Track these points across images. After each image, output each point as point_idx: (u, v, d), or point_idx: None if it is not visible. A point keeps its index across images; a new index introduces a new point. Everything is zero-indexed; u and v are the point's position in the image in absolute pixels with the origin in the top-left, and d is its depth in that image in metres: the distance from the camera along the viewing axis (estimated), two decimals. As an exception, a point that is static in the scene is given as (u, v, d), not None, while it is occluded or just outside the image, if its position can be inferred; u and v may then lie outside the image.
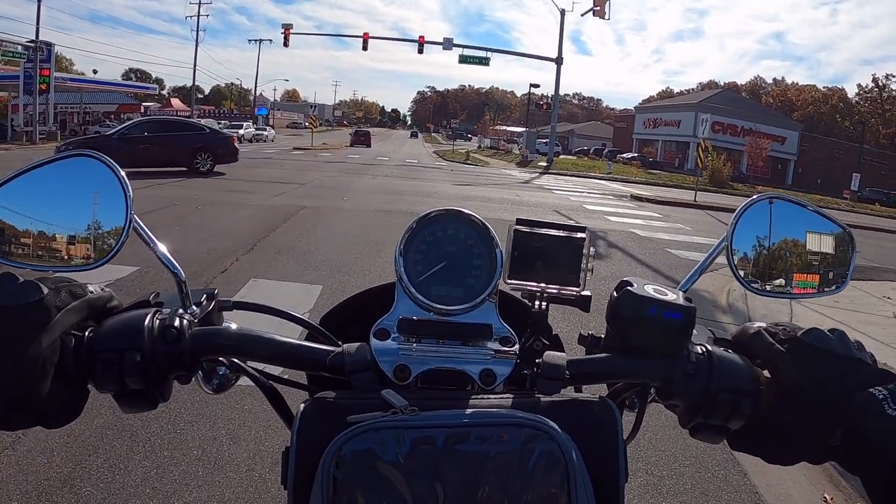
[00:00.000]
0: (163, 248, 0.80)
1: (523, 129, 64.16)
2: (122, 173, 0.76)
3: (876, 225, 23.64)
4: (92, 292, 0.71)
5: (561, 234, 0.87)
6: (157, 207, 11.51)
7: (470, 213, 0.84)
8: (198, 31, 65.53)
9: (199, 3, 67.40)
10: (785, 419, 0.70)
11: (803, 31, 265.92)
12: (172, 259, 0.80)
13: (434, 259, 0.82)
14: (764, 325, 0.77)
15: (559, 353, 0.79)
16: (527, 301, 0.89)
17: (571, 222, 0.87)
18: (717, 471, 3.59)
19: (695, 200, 23.50)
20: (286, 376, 0.93)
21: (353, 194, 16.56)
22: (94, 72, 73.29)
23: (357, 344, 0.78)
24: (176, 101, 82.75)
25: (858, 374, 0.68)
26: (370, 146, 58.56)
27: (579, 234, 0.87)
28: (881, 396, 0.65)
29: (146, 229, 0.79)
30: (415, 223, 0.83)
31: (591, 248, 0.87)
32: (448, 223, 0.84)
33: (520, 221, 0.87)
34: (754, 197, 0.87)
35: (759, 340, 0.75)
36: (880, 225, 24.34)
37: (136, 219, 0.76)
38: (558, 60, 41.75)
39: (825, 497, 3.49)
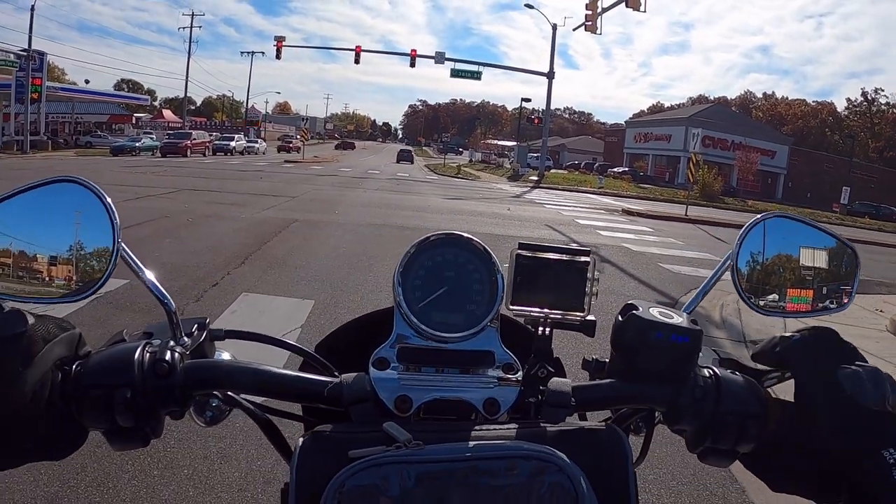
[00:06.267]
0: (151, 276, 0.77)
1: (514, 144, 64.52)
2: (109, 200, 0.73)
3: (866, 238, 23.77)
4: (73, 326, 0.69)
5: (564, 258, 0.85)
6: (148, 219, 11.46)
7: (470, 237, 0.83)
8: (190, 43, 65.90)
9: (192, 16, 67.79)
10: (796, 458, 0.70)
11: (789, 45, 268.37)
12: (162, 288, 0.77)
13: (434, 284, 0.81)
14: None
15: (564, 380, 0.78)
16: (530, 327, 0.87)
17: (574, 245, 0.85)
18: (715, 489, 3.56)
19: (686, 215, 23.53)
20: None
21: (344, 208, 16.54)
22: (87, 82, 73.24)
23: (355, 374, 0.75)
24: (167, 113, 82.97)
25: (880, 431, 0.67)
26: (354, 149, 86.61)
27: (583, 258, 0.86)
28: (892, 461, 0.64)
29: (134, 257, 0.75)
30: (413, 247, 0.81)
31: (596, 272, 0.86)
32: (448, 247, 0.82)
33: (522, 246, 0.85)
34: (759, 216, 0.86)
35: (798, 356, 0.73)
36: (870, 238, 24.48)
37: (124, 247, 0.73)
38: (550, 75, 42.01)
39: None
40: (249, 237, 10.50)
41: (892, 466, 0.64)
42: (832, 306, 0.87)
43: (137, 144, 43.00)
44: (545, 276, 0.85)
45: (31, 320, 0.63)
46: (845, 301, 0.87)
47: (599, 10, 32.39)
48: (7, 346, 0.61)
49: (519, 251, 0.84)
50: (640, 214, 23.15)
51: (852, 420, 0.67)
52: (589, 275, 0.85)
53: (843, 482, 0.67)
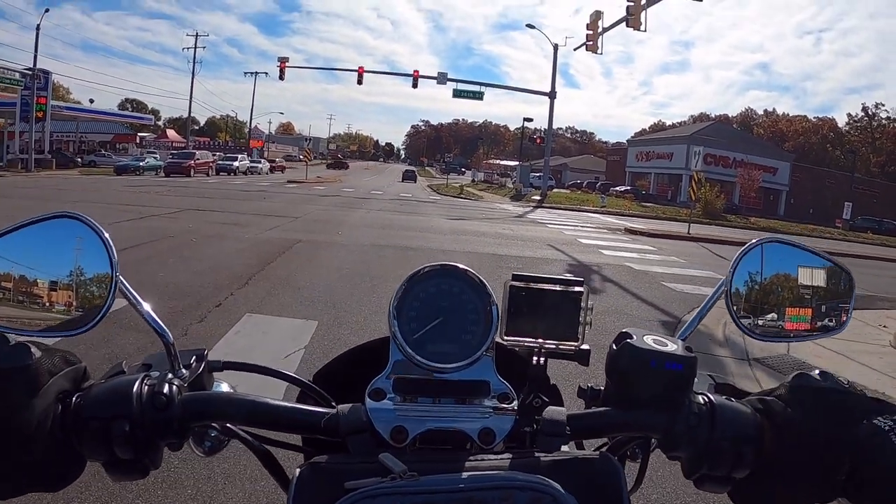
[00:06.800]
0: (149, 308, 0.79)
1: (517, 163, 64.56)
2: (106, 235, 0.75)
3: (869, 253, 23.74)
4: (79, 359, 0.71)
5: (558, 289, 0.86)
6: (152, 239, 11.49)
7: (465, 268, 0.83)
8: (194, 63, 66.28)
9: (196, 36, 68.29)
10: (790, 463, 0.70)
11: (788, 61, 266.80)
12: (159, 321, 0.79)
13: (429, 315, 0.82)
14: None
15: (559, 409, 0.78)
16: (524, 356, 0.88)
17: (568, 276, 0.87)
18: (718, 507, 3.54)
19: (688, 233, 23.52)
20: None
21: (347, 228, 16.53)
22: (91, 101, 73.47)
23: (351, 405, 0.76)
24: (171, 133, 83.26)
25: (856, 404, 0.69)
26: (347, 168, 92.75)
27: (576, 288, 0.87)
28: (886, 427, 0.65)
29: (132, 290, 0.77)
30: (407, 280, 0.82)
31: (589, 302, 0.87)
32: (443, 278, 0.83)
33: (515, 277, 0.86)
34: (752, 241, 0.87)
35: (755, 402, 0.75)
36: (873, 253, 24.44)
37: (123, 280, 0.75)
38: (551, 94, 42.10)
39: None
40: (253, 258, 10.51)
41: (889, 432, 0.65)
42: (831, 324, 0.87)
43: (141, 164, 43.24)
44: (539, 307, 0.85)
45: (37, 354, 0.65)
46: (843, 320, 0.87)
47: (600, 29, 32.53)
48: (14, 378, 0.63)
49: (512, 283, 0.85)
50: (642, 233, 23.12)
51: (828, 402, 0.69)
52: (583, 304, 0.86)
53: (842, 467, 0.67)
